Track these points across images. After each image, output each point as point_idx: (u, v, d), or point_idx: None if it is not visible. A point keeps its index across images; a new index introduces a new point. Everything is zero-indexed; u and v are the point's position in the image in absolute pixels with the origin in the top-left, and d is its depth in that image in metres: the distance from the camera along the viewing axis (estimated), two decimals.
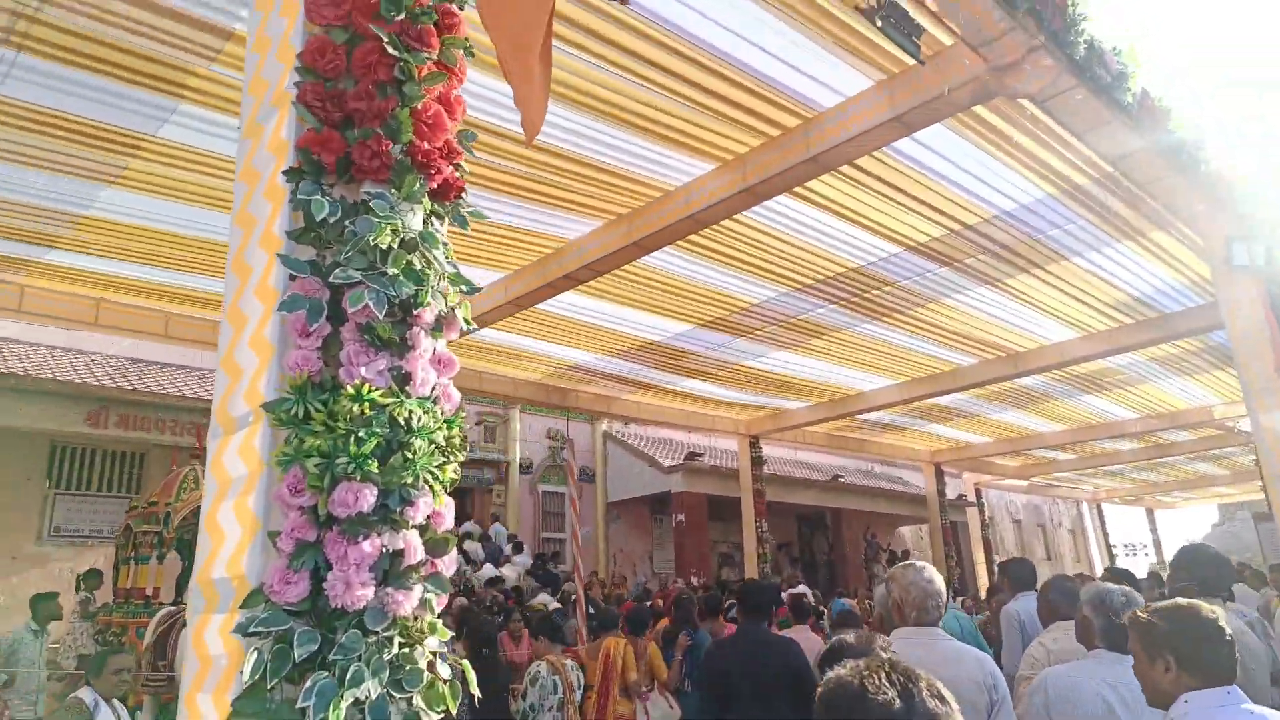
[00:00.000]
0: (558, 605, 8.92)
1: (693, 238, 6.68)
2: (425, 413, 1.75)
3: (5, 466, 9.75)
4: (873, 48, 4.51)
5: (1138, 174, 5.33)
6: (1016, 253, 7.40)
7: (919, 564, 2.95)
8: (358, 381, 1.65)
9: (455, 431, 1.85)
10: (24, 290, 6.95)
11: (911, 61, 4.57)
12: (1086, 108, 4.66)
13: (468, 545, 13.65)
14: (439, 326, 1.90)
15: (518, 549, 13.58)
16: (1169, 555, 26.98)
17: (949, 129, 5.29)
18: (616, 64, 4.52)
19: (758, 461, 13.68)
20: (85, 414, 8.88)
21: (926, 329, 9.48)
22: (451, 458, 1.81)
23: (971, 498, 19.75)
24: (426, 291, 1.79)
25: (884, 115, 4.72)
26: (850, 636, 2.52)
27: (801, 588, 10.74)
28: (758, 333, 9.31)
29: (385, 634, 1.59)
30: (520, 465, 15.77)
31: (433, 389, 1.83)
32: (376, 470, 1.62)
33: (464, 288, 1.99)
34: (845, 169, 5.66)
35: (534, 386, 11.12)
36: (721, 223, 6.40)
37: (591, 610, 8.41)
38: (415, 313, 1.79)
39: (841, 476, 19.11)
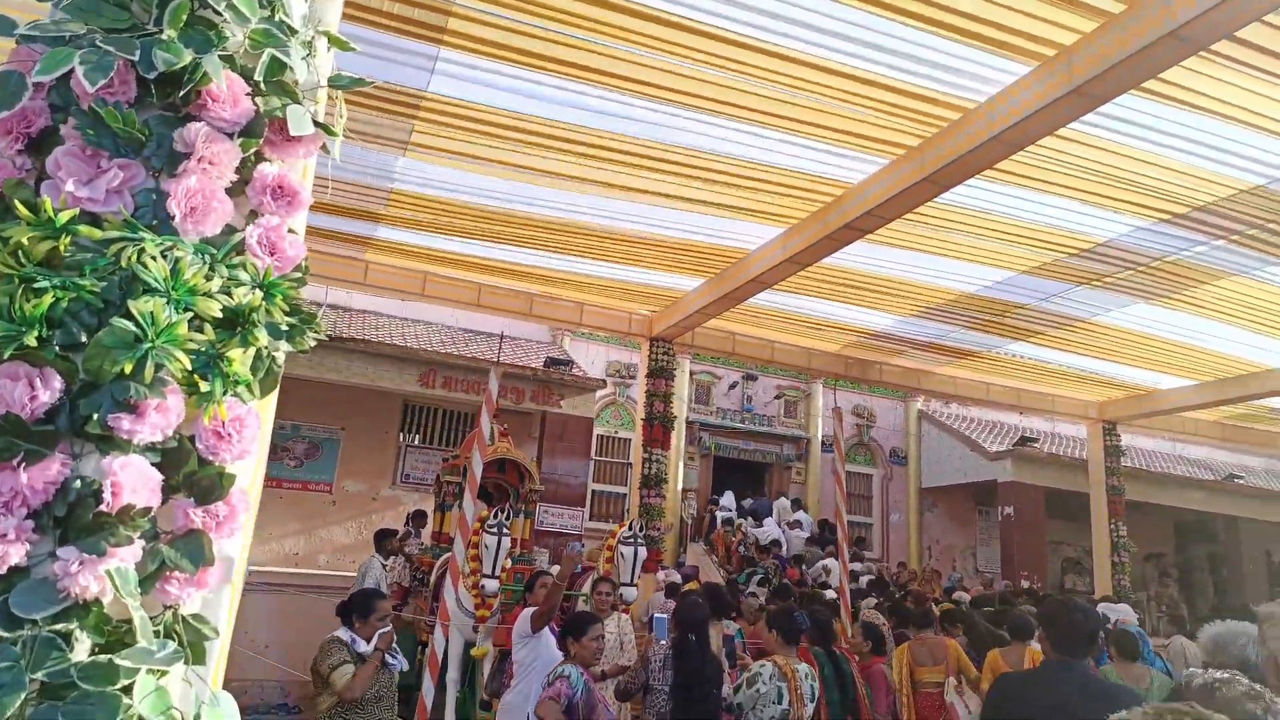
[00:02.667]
0: (833, 593, 8.09)
1: (1004, 165, 5.41)
2: (198, 258, 1.13)
3: (371, 421, 11.78)
4: None
5: None
6: None
7: None
8: (49, 201, 1.06)
9: (274, 304, 1.21)
10: (367, 266, 8.01)
11: None
12: None
13: (724, 499, 13.25)
14: (254, 131, 1.24)
15: (794, 525, 12.89)
16: None
17: None
18: None
19: (1114, 452, 11.28)
20: (418, 376, 10.23)
21: None
22: (250, 339, 1.16)
23: None
24: (202, 64, 1.16)
25: None
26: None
27: (1121, 607, 8.54)
28: (1106, 280, 7.41)
29: (51, 630, 0.98)
30: (822, 443, 14.94)
31: (233, 230, 1.21)
32: (52, 347, 1.02)
33: (328, 75, 1.32)
34: (1228, 47, 4.07)
35: (831, 358, 10.30)
36: (1040, 143, 5.09)
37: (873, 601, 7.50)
38: (195, 97, 1.17)
39: (1240, 477, 15.13)
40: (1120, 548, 11.03)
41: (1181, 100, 4.58)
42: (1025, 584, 11.43)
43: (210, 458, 1.14)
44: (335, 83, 1.37)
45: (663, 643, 4.08)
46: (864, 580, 10.59)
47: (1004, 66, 4.44)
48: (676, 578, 8.22)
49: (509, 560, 6.00)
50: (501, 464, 7.63)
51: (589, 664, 3.60)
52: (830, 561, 11.78)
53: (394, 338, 10.61)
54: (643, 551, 6.00)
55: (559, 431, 11.12)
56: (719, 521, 12.91)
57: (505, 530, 5.48)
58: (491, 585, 5.40)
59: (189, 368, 1.11)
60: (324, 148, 1.36)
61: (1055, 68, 4.22)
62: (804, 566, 11.67)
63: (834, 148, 5.45)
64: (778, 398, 15.08)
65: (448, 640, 5.16)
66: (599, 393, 12.38)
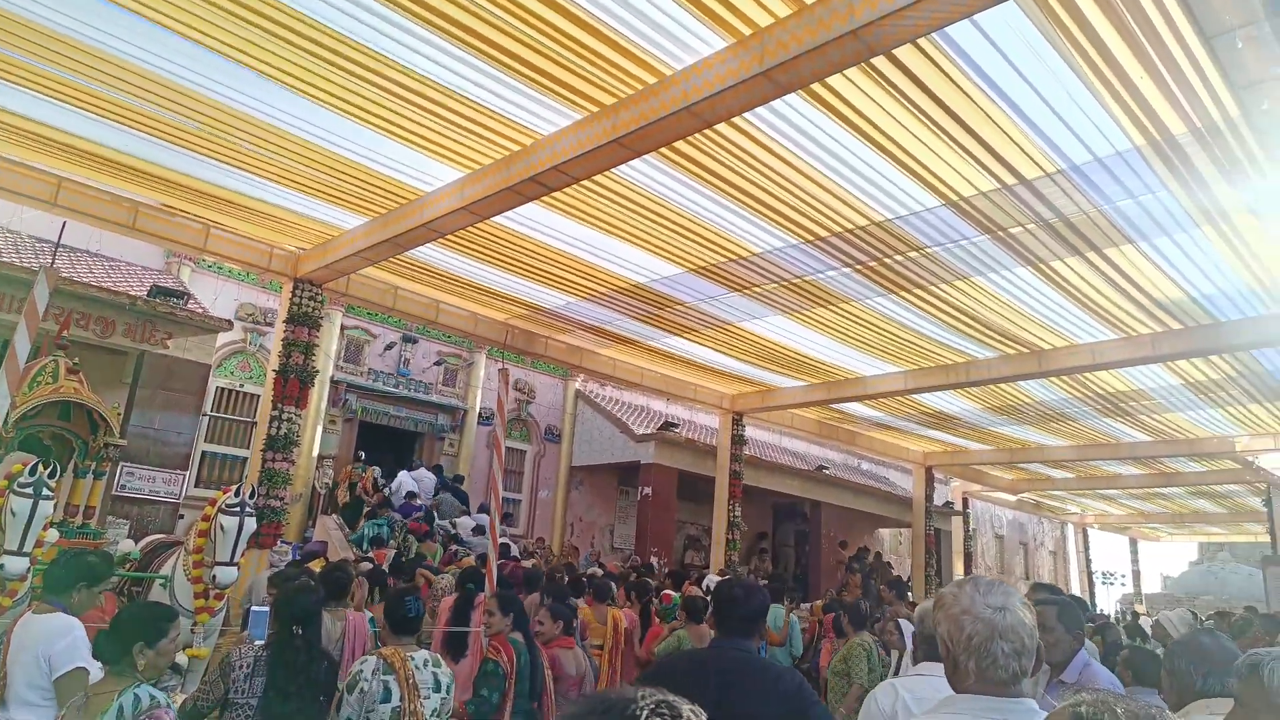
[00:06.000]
0: (471, 568, 7.72)
1: (691, 153, 5.46)
2: None
3: None
4: None
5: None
6: (1075, 227, 6.20)
7: (985, 580, 1.69)
8: None
9: None
10: None
11: None
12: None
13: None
14: None
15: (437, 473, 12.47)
16: (1146, 588, 26.15)
17: (1035, 24, 4.05)
18: None
19: (739, 440, 12.54)
20: None
21: (947, 312, 8.28)
22: None
23: (958, 506, 18.74)
24: None
25: None
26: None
27: (710, 580, 9.73)
28: (755, 289, 8.09)
29: None
30: (480, 415, 14.54)
31: None
32: None
33: None
34: (888, 70, 4.43)
35: (498, 326, 9.90)
36: (729, 137, 5.20)
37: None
38: None
39: (827, 468, 18.03)
40: (734, 526, 12.30)
41: (846, 118, 4.92)
42: (654, 560, 12.22)
43: None
44: None
45: (255, 643, 3.24)
46: None
47: (705, 36, 4.35)
48: (288, 555, 7.15)
49: (51, 530, 4.53)
50: (68, 409, 5.91)
51: (161, 676, 2.67)
52: (465, 520, 11.52)
53: None
54: (251, 523, 4.96)
55: (161, 378, 9.11)
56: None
57: (46, 492, 4.09)
58: (16, 565, 3.98)
59: None
60: None
61: (750, 46, 4.21)
62: (436, 519, 11.33)
63: (528, 89, 4.99)
64: (438, 364, 14.28)
65: None
66: (222, 336, 10.47)
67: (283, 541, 7.89)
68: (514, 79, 4.88)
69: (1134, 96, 4.54)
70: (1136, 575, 25.89)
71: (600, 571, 10.40)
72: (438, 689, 3.27)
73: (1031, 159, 5.33)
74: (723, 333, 9.60)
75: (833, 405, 12.26)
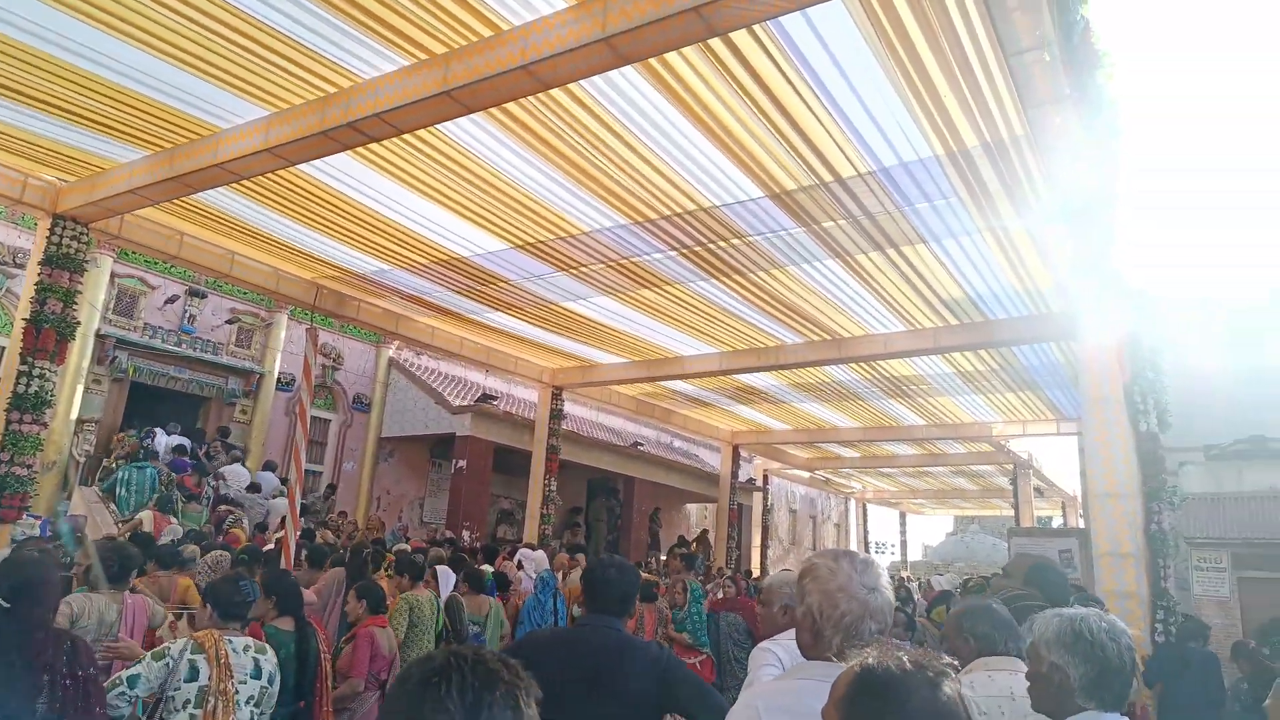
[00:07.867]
0: (249, 545, 7.11)
1: (525, 118, 5.28)
2: None
3: None
4: None
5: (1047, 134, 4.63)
6: (879, 225, 6.68)
7: (860, 558, 1.73)
8: None
9: None
10: None
11: None
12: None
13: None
14: None
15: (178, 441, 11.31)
16: (911, 556, 29.36)
17: (859, 27, 4.26)
18: None
19: (557, 415, 12.50)
20: None
21: (763, 299, 8.70)
22: None
23: (759, 483, 19.95)
24: None
25: None
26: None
27: (539, 554, 9.76)
28: (582, 269, 8.05)
29: None
30: (280, 379, 13.35)
31: None
32: None
33: None
34: (725, 56, 4.50)
35: (305, 285, 9.12)
36: (565, 105, 5.08)
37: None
38: None
39: (642, 445, 18.48)
40: (549, 501, 12.28)
41: (681, 100, 4.96)
42: (466, 533, 11.93)
43: None
44: None
45: None
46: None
47: None
48: (35, 530, 6.22)
49: None
50: None
51: None
52: (237, 469, 10.79)
53: None
54: None
55: None
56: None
57: None
58: None
59: None
60: None
61: (593, 10, 4.09)
62: (209, 477, 10.52)
63: (347, 26, 4.56)
64: (231, 322, 12.90)
65: None
66: None
67: (30, 515, 6.85)
68: (331, 14, 4.45)
69: (937, 107, 4.92)
70: (904, 545, 29.05)
71: (408, 548, 10.00)
72: (258, 676, 3.13)
73: (847, 158, 5.65)
74: (548, 312, 9.49)
75: (652, 382, 12.54)
